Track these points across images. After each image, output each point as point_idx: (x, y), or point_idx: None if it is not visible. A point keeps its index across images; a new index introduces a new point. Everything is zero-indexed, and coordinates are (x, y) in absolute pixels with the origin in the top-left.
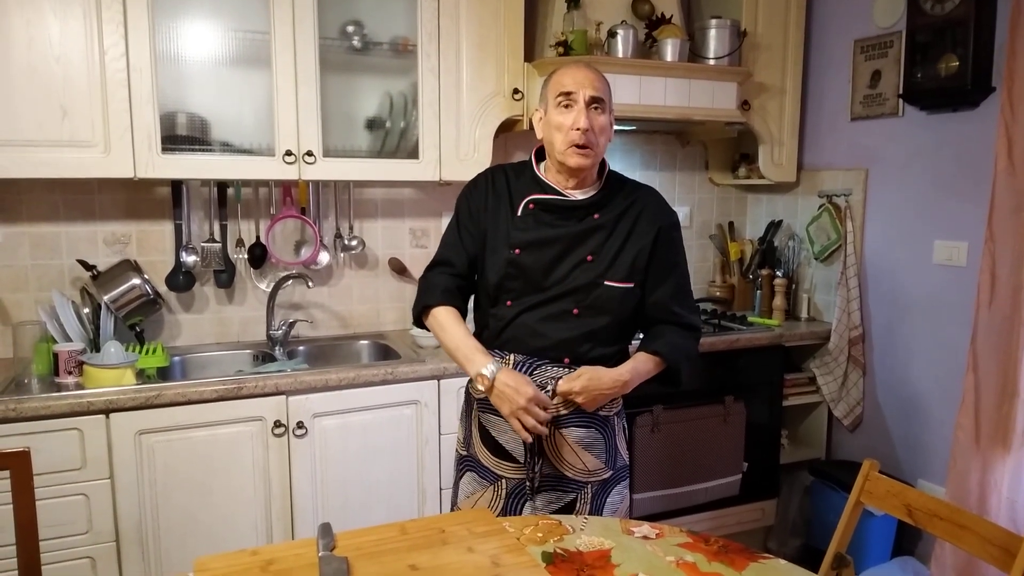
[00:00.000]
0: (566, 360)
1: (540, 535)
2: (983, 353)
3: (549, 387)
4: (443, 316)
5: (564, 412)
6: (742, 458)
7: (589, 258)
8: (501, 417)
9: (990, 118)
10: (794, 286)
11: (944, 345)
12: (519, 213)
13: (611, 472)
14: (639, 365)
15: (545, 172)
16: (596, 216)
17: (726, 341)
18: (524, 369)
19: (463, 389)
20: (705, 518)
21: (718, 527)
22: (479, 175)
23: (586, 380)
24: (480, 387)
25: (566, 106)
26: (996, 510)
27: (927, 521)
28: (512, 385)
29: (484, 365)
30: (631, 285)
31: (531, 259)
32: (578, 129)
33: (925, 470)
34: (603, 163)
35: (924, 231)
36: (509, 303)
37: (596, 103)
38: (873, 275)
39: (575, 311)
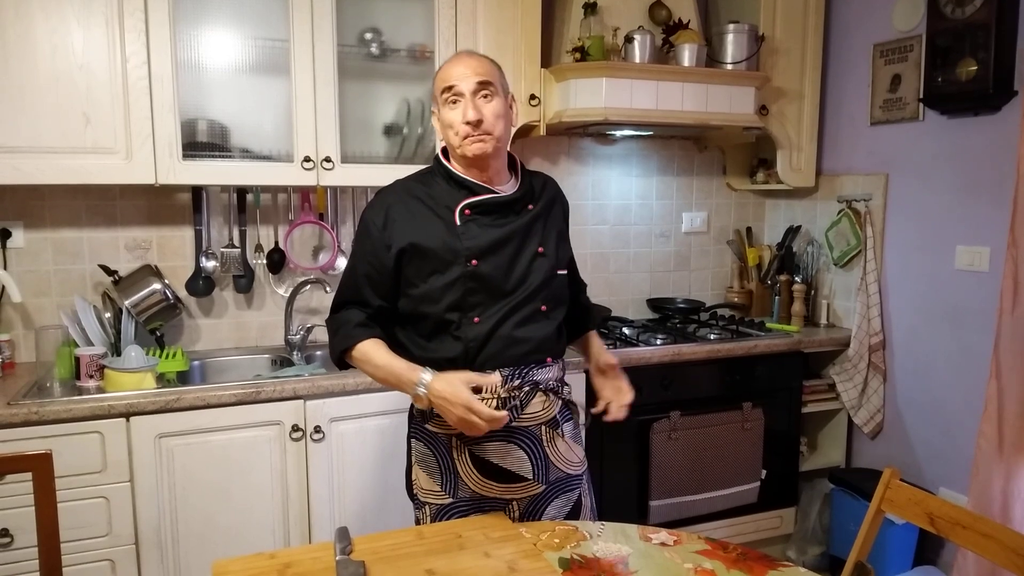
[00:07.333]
0: (548, 360)
1: (557, 541)
2: (1006, 360)
3: (528, 387)
4: (365, 348)
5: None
6: (760, 465)
7: (540, 250)
8: (498, 441)
9: (1012, 122)
10: (813, 292)
11: (966, 351)
12: (458, 223)
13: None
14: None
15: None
16: (531, 207)
17: (744, 347)
18: (511, 380)
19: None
20: (723, 525)
21: (736, 535)
22: (377, 203)
23: (623, 376)
24: (422, 407)
25: (454, 102)
26: (1020, 519)
27: (949, 530)
28: (446, 396)
29: (416, 385)
30: (565, 271)
31: (490, 266)
32: (468, 123)
33: (947, 478)
34: (512, 157)
35: (946, 236)
36: (477, 319)
37: (483, 88)
38: (894, 280)
39: (543, 308)
